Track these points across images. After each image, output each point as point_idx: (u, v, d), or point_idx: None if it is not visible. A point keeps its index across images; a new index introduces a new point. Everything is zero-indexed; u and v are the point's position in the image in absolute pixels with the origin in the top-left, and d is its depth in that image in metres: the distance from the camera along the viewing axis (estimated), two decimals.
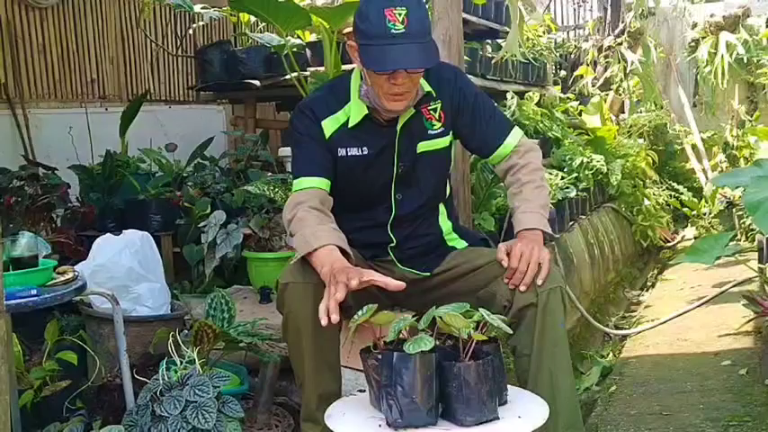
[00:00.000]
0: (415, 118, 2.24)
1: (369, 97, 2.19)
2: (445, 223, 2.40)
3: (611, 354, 4.04)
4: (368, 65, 2.08)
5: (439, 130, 2.28)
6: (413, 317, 1.82)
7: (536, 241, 2.17)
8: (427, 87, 2.24)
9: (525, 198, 2.27)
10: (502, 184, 2.67)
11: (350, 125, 2.22)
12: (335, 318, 1.86)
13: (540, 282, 2.10)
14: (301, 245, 2.08)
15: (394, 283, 1.96)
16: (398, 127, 2.23)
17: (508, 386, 1.89)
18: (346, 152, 2.23)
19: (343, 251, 2.04)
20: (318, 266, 2.01)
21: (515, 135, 2.34)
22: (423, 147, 2.27)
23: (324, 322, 1.85)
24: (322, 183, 2.20)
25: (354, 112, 2.22)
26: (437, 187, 2.38)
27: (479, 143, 2.37)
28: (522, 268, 2.11)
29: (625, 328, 4.54)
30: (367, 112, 2.21)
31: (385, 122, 2.23)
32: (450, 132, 2.31)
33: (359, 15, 2.11)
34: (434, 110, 2.27)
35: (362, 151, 2.24)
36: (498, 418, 1.73)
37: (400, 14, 2.02)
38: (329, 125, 2.23)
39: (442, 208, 2.41)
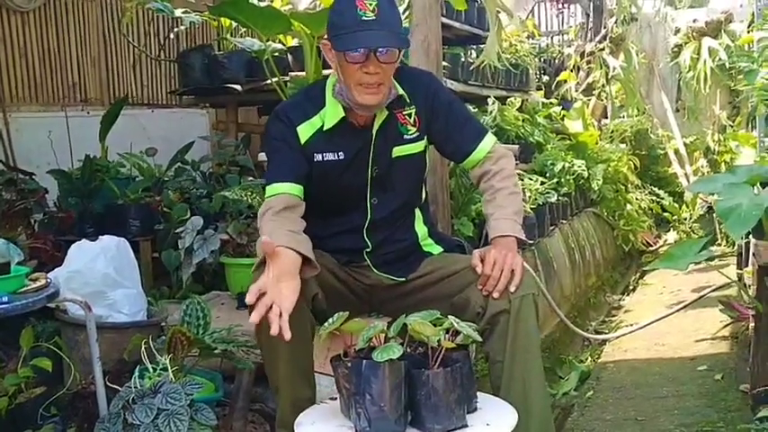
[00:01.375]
0: (390, 122, 2.26)
1: (342, 95, 2.20)
2: (421, 228, 2.41)
3: (589, 358, 4.06)
4: (339, 48, 2.11)
5: (414, 135, 2.30)
6: (387, 323, 1.83)
7: (510, 248, 2.19)
8: (401, 92, 2.25)
9: (499, 205, 2.29)
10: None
11: (325, 128, 2.23)
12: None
13: (512, 288, 2.12)
14: (258, 249, 2.10)
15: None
16: (374, 130, 2.24)
17: (479, 393, 1.91)
18: (322, 157, 2.25)
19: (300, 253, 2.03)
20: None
21: (489, 141, 2.36)
22: (398, 151, 2.29)
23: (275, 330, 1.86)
24: (292, 188, 2.20)
25: (330, 115, 2.23)
26: (412, 191, 2.39)
27: (453, 148, 2.39)
28: (495, 275, 2.13)
29: (605, 333, 4.57)
30: (343, 114, 2.22)
31: (360, 125, 2.24)
32: (425, 137, 2.33)
33: (331, 11, 2.17)
34: (409, 115, 2.28)
35: (338, 156, 2.25)
36: (467, 426, 1.75)
37: (371, 4, 2.07)
38: (305, 130, 2.24)
39: (417, 213, 2.42)
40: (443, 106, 2.32)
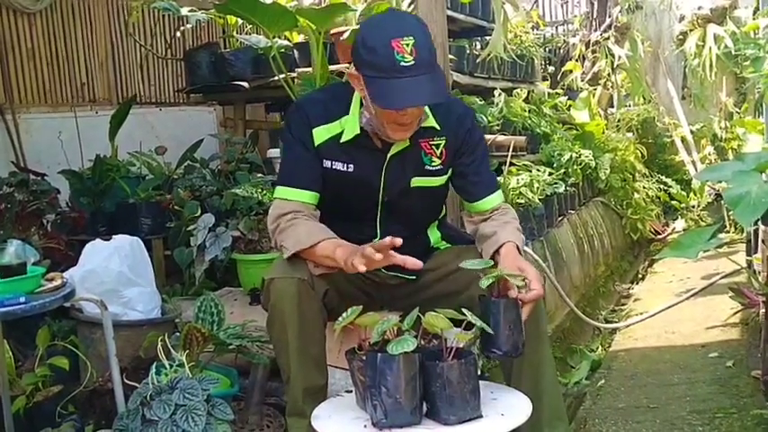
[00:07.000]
0: (411, 150, 2.19)
1: (371, 125, 2.14)
2: (434, 234, 2.40)
3: (600, 347, 4.08)
4: (377, 101, 2.01)
5: (437, 167, 2.24)
6: (399, 317, 1.85)
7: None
8: (432, 122, 2.19)
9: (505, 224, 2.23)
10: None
11: (342, 140, 2.18)
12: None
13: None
14: (296, 243, 2.10)
15: (411, 261, 1.99)
16: (388, 155, 2.18)
17: (493, 384, 1.94)
18: (331, 165, 2.21)
19: None
20: (324, 253, 2.07)
21: (498, 196, 2.30)
22: (417, 182, 2.23)
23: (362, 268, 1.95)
24: (306, 196, 2.19)
25: (349, 129, 2.17)
26: (426, 217, 2.37)
27: (465, 187, 2.30)
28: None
29: (615, 322, 4.58)
30: (359, 132, 2.16)
31: (379, 146, 2.19)
32: (450, 170, 2.26)
33: (363, 46, 2.01)
34: (437, 146, 2.22)
35: (347, 168, 2.20)
36: (481, 416, 1.77)
37: (408, 45, 1.94)
38: (320, 134, 2.19)
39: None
40: (473, 146, 2.25)
